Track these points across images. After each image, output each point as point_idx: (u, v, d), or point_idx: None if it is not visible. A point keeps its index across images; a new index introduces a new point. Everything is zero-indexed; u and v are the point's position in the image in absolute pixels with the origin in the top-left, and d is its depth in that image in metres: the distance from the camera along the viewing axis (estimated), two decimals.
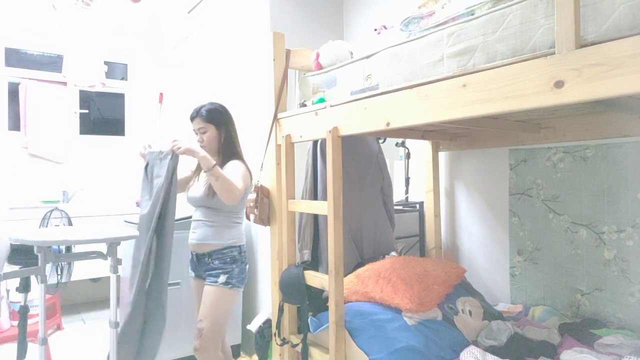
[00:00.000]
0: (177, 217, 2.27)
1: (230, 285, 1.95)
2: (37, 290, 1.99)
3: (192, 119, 2.05)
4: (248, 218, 2.16)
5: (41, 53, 4.26)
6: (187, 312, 2.55)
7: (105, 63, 4.05)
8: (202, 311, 1.94)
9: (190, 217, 2.68)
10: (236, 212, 2.04)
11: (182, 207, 2.96)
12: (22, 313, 2.07)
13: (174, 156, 1.87)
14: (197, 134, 2.05)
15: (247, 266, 2.06)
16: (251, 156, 2.85)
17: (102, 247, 2.20)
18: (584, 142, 1.93)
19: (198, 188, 2.03)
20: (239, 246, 2.02)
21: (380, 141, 2.42)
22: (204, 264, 2.02)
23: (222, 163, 2.02)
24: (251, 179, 2.05)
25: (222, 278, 1.94)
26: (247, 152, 2.93)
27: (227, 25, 3.27)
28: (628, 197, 1.79)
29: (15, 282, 2.10)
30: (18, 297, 2.48)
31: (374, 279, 1.86)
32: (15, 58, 4.15)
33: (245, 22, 3.00)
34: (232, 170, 1.95)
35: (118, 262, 2.20)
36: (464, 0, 1.32)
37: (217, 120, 2.04)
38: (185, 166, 2.11)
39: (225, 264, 1.97)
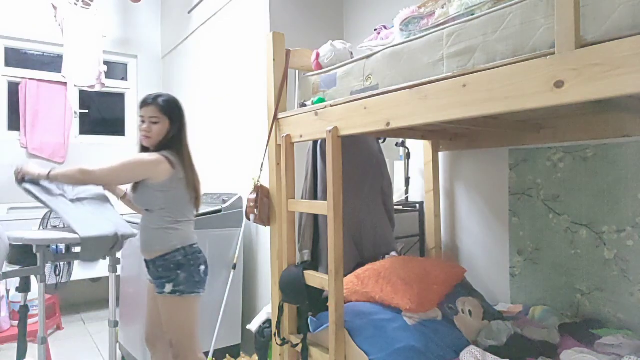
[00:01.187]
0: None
1: (178, 294, 1.80)
2: (37, 290, 1.99)
3: (146, 105, 1.84)
4: (248, 218, 2.16)
5: (41, 53, 4.26)
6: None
7: (105, 63, 4.05)
8: (164, 322, 1.86)
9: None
10: (168, 211, 1.83)
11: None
12: (22, 313, 2.08)
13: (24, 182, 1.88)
14: (144, 122, 1.84)
15: (202, 267, 1.89)
16: (251, 156, 2.86)
17: None
18: (584, 142, 1.93)
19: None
20: (183, 248, 1.84)
21: (380, 141, 2.42)
22: (151, 271, 1.89)
23: None
24: (171, 168, 1.81)
25: (168, 287, 1.80)
26: (247, 152, 2.94)
27: (227, 25, 3.27)
28: (628, 197, 1.79)
29: (15, 282, 2.11)
30: (18, 297, 2.48)
31: (374, 279, 1.86)
32: (15, 58, 4.15)
33: (245, 22, 3.00)
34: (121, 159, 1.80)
35: (117, 262, 2.21)
36: (464, 0, 1.32)
37: (173, 113, 1.87)
38: None
39: (169, 271, 1.81)
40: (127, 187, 2.03)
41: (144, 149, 1.93)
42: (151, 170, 1.79)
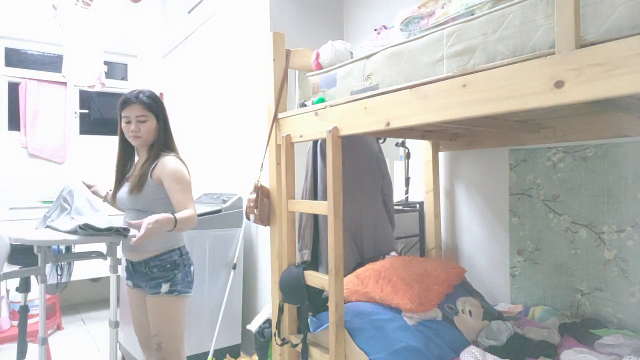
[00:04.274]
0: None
1: (175, 293, 1.80)
2: (37, 290, 1.99)
3: (129, 104, 1.78)
4: (248, 218, 2.16)
5: (41, 53, 4.27)
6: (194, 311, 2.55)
7: (105, 63, 4.06)
8: (154, 325, 1.82)
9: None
10: (168, 212, 1.79)
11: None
12: (22, 313, 2.08)
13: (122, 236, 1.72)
14: (129, 122, 1.79)
15: (192, 267, 1.90)
16: (251, 156, 2.86)
17: (102, 247, 2.21)
18: (584, 142, 1.93)
19: (124, 188, 1.86)
20: (179, 249, 1.85)
21: (380, 141, 2.42)
22: (141, 273, 1.84)
23: (155, 157, 1.82)
24: (188, 172, 1.85)
25: (165, 287, 1.78)
26: (247, 152, 2.94)
27: (227, 25, 3.27)
28: (628, 197, 1.79)
29: (15, 282, 2.11)
30: (18, 297, 2.48)
31: (374, 279, 1.86)
32: (15, 58, 4.15)
33: (245, 22, 3.00)
34: (174, 183, 1.74)
35: (118, 262, 2.20)
36: (464, 0, 1.32)
37: (158, 109, 1.84)
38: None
39: (166, 271, 1.80)
40: (108, 190, 2.04)
41: (126, 148, 1.92)
42: (189, 179, 1.82)
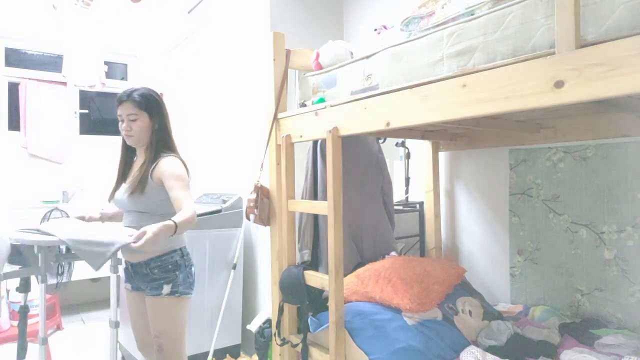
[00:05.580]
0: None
1: (177, 294, 1.78)
2: (37, 290, 1.99)
3: (121, 102, 1.78)
4: (248, 218, 2.16)
5: (41, 53, 4.27)
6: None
7: (105, 63, 4.06)
8: (154, 326, 1.80)
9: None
10: (171, 215, 1.76)
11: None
12: (22, 313, 2.07)
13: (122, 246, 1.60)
14: (122, 120, 1.80)
15: (193, 268, 1.88)
16: (251, 156, 2.86)
17: None
18: (584, 142, 1.93)
19: (122, 189, 1.85)
20: (180, 249, 1.83)
21: (380, 141, 2.42)
22: (141, 274, 1.81)
23: (154, 158, 1.80)
24: (188, 173, 1.82)
25: (166, 288, 1.77)
26: (247, 152, 2.94)
27: (227, 25, 3.27)
28: (628, 197, 1.79)
29: (15, 282, 2.11)
30: (18, 297, 2.48)
31: (374, 279, 1.86)
32: (15, 58, 4.15)
33: (245, 22, 3.00)
34: (174, 180, 1.72)
35: (118, 262, 2.20)
36: (464, 0, 1.32)
37: (151, 107, 1.80)
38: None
39: (167, 272, 1.78)
40: (101, 210, 2.01)
41: (127, 147, 1.89)
42: (188, 180, 1.78)
